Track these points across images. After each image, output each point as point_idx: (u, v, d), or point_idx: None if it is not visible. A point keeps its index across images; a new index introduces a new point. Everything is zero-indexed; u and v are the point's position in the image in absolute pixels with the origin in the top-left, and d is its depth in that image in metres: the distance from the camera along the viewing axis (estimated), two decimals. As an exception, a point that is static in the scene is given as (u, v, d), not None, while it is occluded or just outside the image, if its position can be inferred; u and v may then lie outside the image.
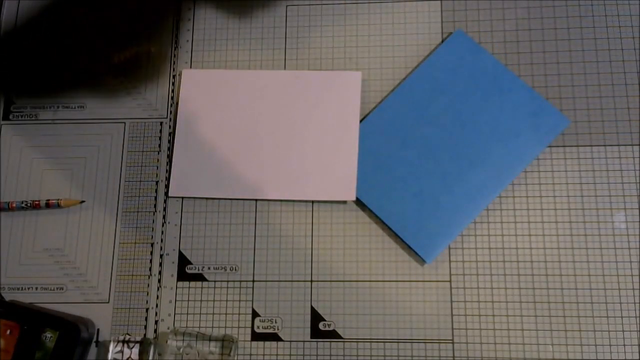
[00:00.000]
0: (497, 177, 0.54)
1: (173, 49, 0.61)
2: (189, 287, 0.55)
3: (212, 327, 0.54)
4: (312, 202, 0.56)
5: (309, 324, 0.53)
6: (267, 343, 0.53)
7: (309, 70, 0.59)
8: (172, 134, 0.58)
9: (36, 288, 0.55)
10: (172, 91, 0.60)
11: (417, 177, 0.55)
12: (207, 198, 0.56)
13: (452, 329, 0.52)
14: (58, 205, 0.56)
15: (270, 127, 0.57)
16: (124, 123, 0.59)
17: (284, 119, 0.57)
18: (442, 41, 0.59)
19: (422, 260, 0.54)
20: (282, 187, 0.56)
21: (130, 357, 0.52)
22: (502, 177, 0.54)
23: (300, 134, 0.57)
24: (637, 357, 0.50)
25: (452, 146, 0.55)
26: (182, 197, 0.57)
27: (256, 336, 0.53)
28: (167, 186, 0.57)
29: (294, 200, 0.56)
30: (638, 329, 0.51)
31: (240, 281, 0.55)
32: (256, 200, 0.56)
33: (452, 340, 0.52)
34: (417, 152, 0.55)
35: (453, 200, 0.54)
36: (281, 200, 0.56)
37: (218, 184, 0.56)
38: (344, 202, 0.56)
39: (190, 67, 0.60)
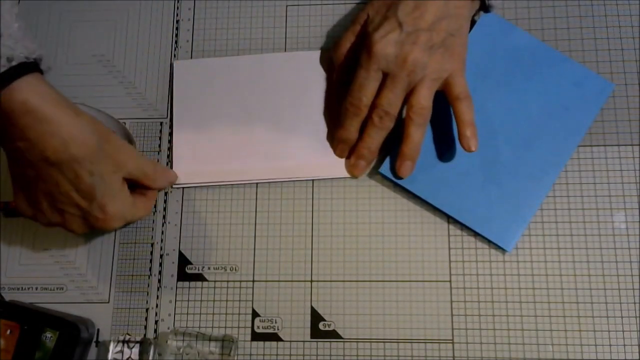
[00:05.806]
0: (556, 152, 0.54)
1: (173, 49, 0.61)
2: (189, 287, 0.55)
3: (212, 327, 0.54)
4: (313, 181, 0.56)
5: (309, 324, 0.53)
6: (267, 343, 0.53)
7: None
8: (170, 126, 0.58)
9: (36, 288, 0.55)
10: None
11: (478, 168, 0.54)
12: (207, 186, 0.56)
13: (452, 329, 0.52)
14: (58, 205, 0.56)
15: (269, 110, 0.57)
16: (124, 123, 0.59)
17: (282, 101, 0.58)
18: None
19: (502, 250, 0.53)
20: (285, 168, 0.56)
21: (130, 357, 0.52)
22: (562, 151, 0.54)
23: (303, 114, 0.57)
24: (637, 357, 0.50)
25: (505, 130, 0.55)
26: (183, 188, 0.57)
27: (256, 336, 0.53)
28: (167, 186, 0.57)
29: (293, 180, 0.56)
30: (638, 329, 0.51)
31: (240, 281, 0.55)
32: (256, 183, 0.56)
33: (452, 340, 0.52)
34: None
35: (519, 183, 0.53)
36: (282, 182, 0.56)
37: (220, 169, 0.56)
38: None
39: (190, 67, 0.60)
